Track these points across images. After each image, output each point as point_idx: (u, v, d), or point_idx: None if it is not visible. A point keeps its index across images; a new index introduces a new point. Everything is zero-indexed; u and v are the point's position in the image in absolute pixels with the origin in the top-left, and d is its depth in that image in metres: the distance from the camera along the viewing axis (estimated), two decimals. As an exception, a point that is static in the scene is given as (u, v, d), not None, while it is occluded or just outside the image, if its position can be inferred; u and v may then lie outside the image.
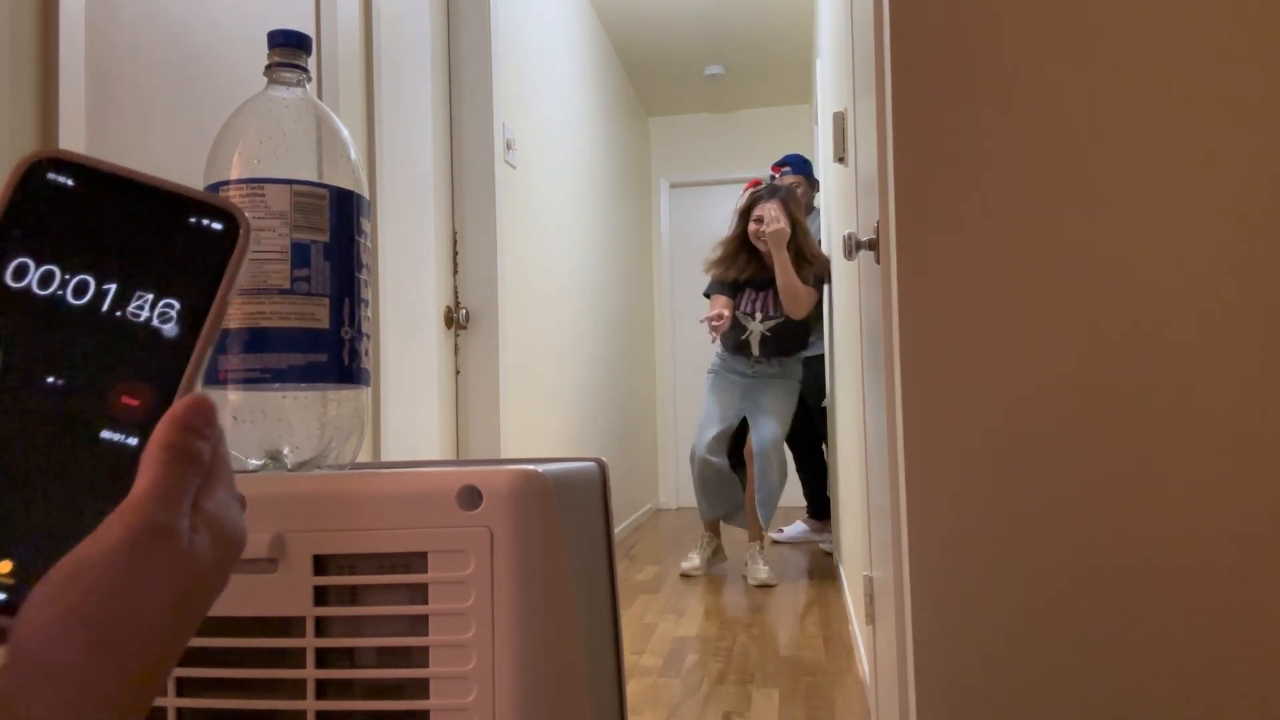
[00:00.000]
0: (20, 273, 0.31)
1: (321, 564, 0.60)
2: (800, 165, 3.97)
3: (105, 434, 0.31)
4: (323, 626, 0.60)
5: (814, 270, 3.40)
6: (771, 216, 3.36)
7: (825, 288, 3.52)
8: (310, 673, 0.60)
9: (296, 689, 0.60)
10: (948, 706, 1.04)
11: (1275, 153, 1.01)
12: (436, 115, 2.66)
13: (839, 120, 2.37)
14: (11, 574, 0.29)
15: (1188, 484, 1.01)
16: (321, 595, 0.60)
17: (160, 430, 0.30)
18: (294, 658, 0.60)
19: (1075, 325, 1.04)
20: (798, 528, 4.47)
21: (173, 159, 1.40)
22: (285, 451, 0.71)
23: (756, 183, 3.55)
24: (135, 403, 0.31)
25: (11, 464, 0.30)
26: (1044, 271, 1.04)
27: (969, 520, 1.05)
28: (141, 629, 0.28)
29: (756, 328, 3.51)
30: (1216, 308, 1.02)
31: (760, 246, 3.45)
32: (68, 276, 0.31)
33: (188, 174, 1.42)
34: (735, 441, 3.61)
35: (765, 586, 3.36)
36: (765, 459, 3.43)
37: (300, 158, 0.71)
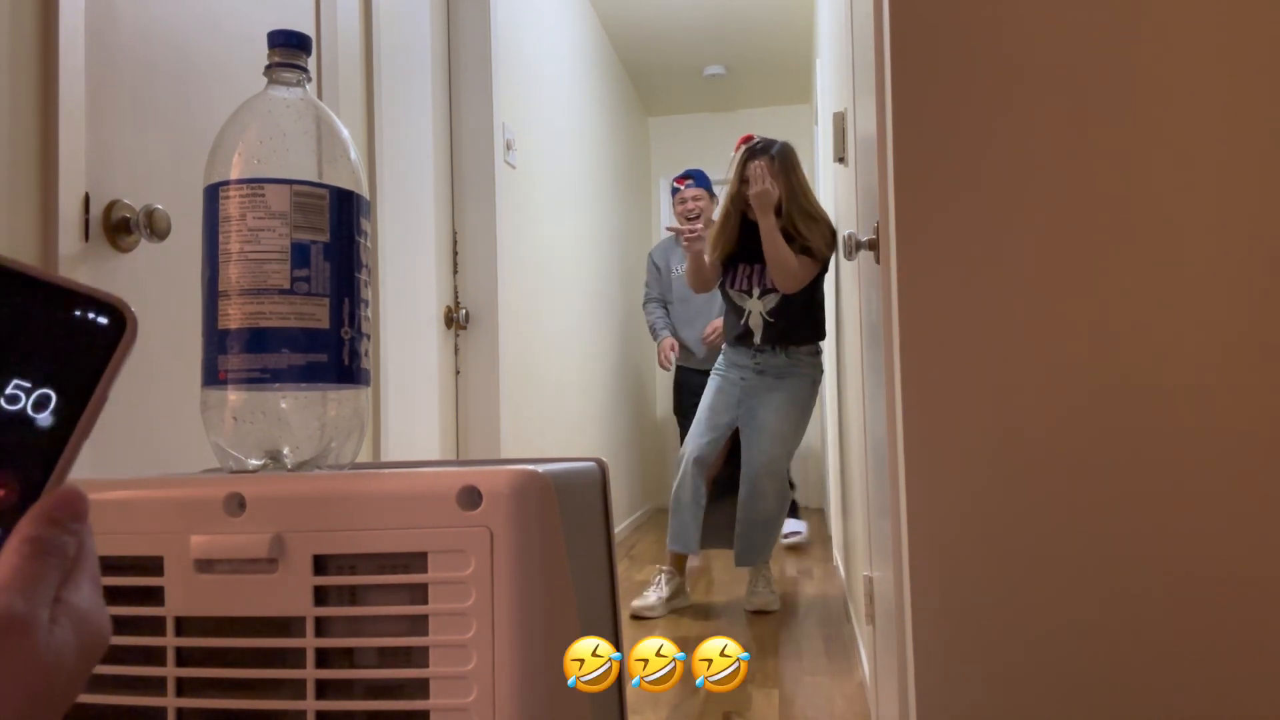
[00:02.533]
0: None
1: (321, 564, 0.60)
2: (701, 179, 3.96)
3: None
4: (323, 626, 0.60)
5: (807, 241, 2.91)
6: (756, 176, 2.86)
7: (833, 260, 3.05)
8: (310, 673, 0.60)
9: (296, 689, 0.60)
10: (948, 707, 1.04)
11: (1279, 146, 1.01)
12: (436, 115, 2.65)
13: (839, 120, 2.37)
14: None
15: (1192, 484, 1.01)
16: (321, 595, 0.60)
17: (24, 522, 0.30)
18: (294, 658, 0.60)
19: (1076, 324, 1.04)
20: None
21: (173, 160, 1.40)
22: (285, 451, 0.71)
23: (748, 138, 3.07)
24: (0, 492, 0.30)
25: None
26: (1045, 271, 1.04)
27: (969, 521, 1.05)
28: None
29: (755, 306, 2.99)
30: (1222, 307, 1.01)
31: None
32: None
33: (188, 175, 1.42)
34: (734, 455, 3.12)
35: (762, 613, 2.97)
36: (755, 487, 2.93)
37: (300, 158, 0.71)
